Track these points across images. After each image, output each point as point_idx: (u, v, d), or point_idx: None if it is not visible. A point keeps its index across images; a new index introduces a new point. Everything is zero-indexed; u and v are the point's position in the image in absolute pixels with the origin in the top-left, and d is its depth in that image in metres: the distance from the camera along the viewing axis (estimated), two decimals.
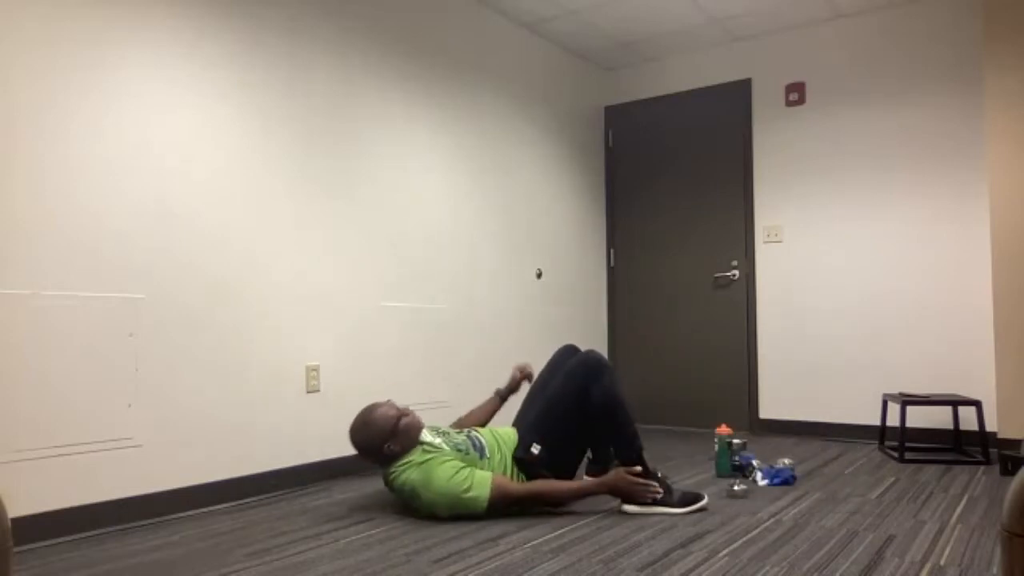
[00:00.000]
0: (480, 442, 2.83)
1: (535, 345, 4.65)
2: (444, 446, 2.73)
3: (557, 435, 2.82)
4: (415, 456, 2.69)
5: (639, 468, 2.75)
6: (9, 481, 2.34)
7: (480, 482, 2.62)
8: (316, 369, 3.32)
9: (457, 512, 2.62)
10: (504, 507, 2.67)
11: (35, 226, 2.43)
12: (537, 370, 3.24)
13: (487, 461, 2.77)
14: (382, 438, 2.69)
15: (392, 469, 2.70)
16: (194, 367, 2.85)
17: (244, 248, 3.06)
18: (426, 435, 2.78)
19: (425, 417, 3.85)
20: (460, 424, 3.16)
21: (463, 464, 2.67)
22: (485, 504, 2.61)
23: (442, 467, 2.63)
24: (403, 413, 2.75)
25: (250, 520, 2.68)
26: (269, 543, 2.37)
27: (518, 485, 2.69)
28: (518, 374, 3.28)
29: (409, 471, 2.66)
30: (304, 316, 3.28)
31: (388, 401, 2.81)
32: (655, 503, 2.71)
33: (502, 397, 3.30)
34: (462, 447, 2.76)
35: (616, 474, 2.72)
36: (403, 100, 3.82)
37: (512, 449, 2.85)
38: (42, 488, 2.41)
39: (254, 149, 3.12)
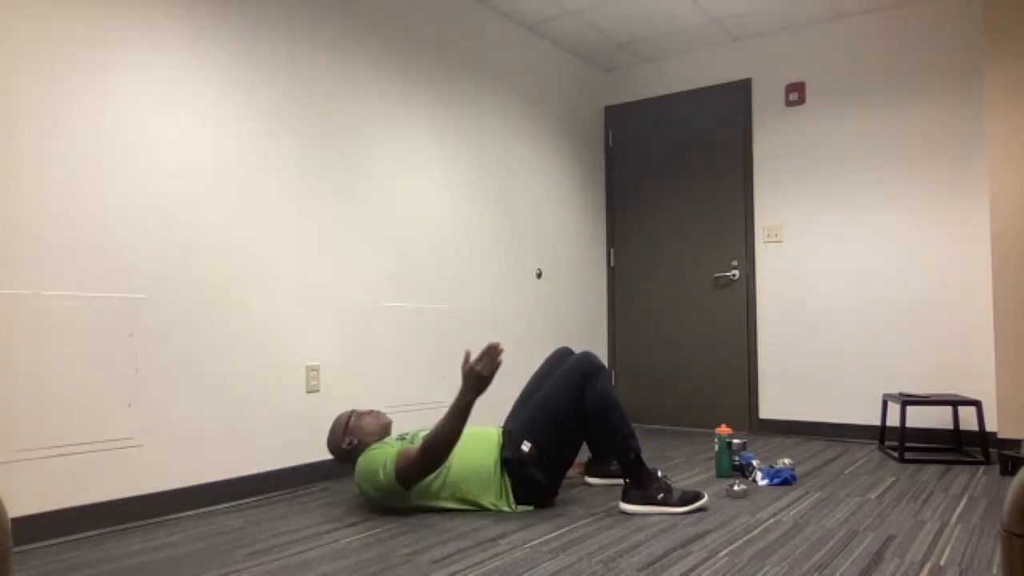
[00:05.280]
0: None
1: (535, 345, 4.65)
2: (387, 440, 2.84)
3: (549, 435, 2.80)
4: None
5: (470, 351, 2.73)
6: (9, 481, 2.34)
7: (385, 459, 2.67)
8: (316, 369, 3.32)
9: (386, 498, 2.69)
10: (419, 473, 2.65)
11: (35, 226, 2.43)
12: (531, 371, 3.23)
13: None
14: (339, 436, 2.88)
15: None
16: (194, 367, 2.85)
17: (244, 248, 3.06)
18: (392, 435, 2.93)
19: (425, 417, 3.85)
20: None
21: (389, 447, 2.73)
22: (393, 477, 2.63)
23: (367, 454, 2.74)
24: (362, 413, 2.92)
25: (250, 520, 2.68)
26: (269, 543, 2.37)
27: (415, 447, 2.67)
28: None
29: (356, 467, 2.80)
30: (304, 316, 3.28)
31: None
32: (655, 503, 2.71)
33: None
34: (406, 436, 2.86)
35: (465, 371, 2.61)
36: (403, 100, 3.82)
37: (491, 447, 2.81)
38: (42, 488, 2.41)
39: (255, 149, 3.12)
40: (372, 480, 2.68)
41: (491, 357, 2.61)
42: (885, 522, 2.57)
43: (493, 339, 4.33)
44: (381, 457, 2.69)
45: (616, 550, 2.26)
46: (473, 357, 2.69)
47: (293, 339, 3.23)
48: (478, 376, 2.61)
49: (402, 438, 2.87)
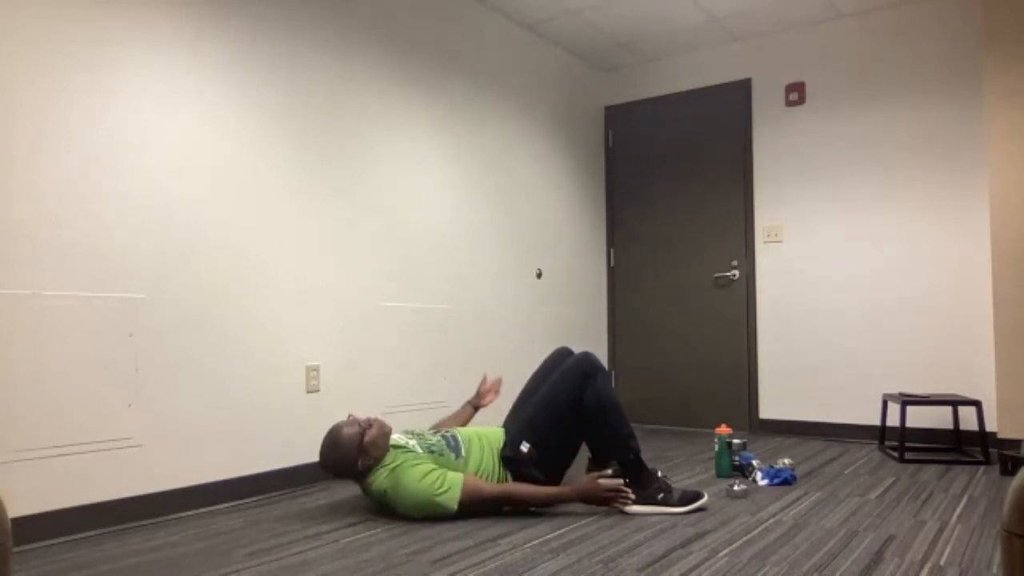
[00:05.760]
0: (456, 442, 2.81)
1: (535, 345, 4.65)
2: (417, 448, 2.74)
3: (548, 436, 2.80)
4: (387, 461, 2.70)
5: (609, 472, 2.75)
6: (9, 481, 2.34)
7: (451, 483, 2.60)
8: (316, 369, 3.32)
9: (428, 514, 2.61)
10: (476, 508, 2.64)
11: (35, 226, 2.43)
12: (531, 371, 3.22)
13: (462, 460, 2.75)
14: (352, 457, 2.67)
15: (368, 479, 2.72)
16: (194, 367, 2.85)
17: (244, 248, 3.06)
18: (399, 438, 2.80)
19: (425, 417, 3.85)
20: (437, 428, 3.10)
21: (434, 466, 2.66)
22: (456, 505, 2.59)
23: (412, 470, 2.63)
24: (366, 427, 2.72)
25: (250, 520, 2.68)
26: (269, 543, 2.37)
27: (491, 486, 2.67)
28: (484, 387, 3.30)
29: (381, 477, 2.68)
30: (304, 316, 3.28)
31: (349, 418, 2.78)
32: (655, 502, 2.71)
33: (475, 407, 3.31)
34: (435, 448, 2.76)
35: (589, 480, 2.69)
36: (403, 100, 3.82)
37: (497, 447, 2.83)
38: (42, 488, 2.41)
39: (254, 149, 3.12)
40: (417, 498, 2.59)
41: (615, 494, 2.66)
42: (885, 522, 2.57)
43: (497, 341, 4.32)
44: (431, 480, 2.60)
45: (616, 550, 2.26)
46: (605, 476, 2.72)
47: (293, 339, 3.23)
48: (592, 496, 2.66)
49: (430, 450, 2.76)
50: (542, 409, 2.84)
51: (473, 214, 4.25)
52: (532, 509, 2.76)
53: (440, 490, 2.59)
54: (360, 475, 2.73)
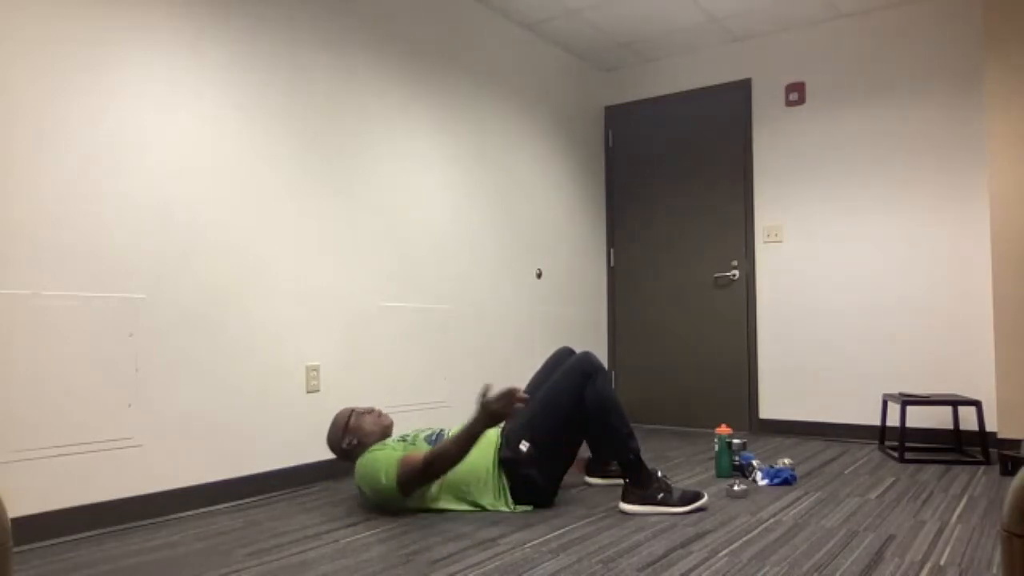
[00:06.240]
0: (438, 438, 2.86)
1: (535, 345, 4.65)
2: (388, 442, 2.83)
3: (548, 435, 2.80)
4: (365, 453, 2.80)
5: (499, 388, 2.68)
6: (9, 481, 2.34)
7: (388, 464, 2.65)
8: (316, 369, 3.32)
9: (384, 502, 2.69)
10: (418, 480, 2.64)
11: (35, 226, 2.43)
12: (531, 371, 3.23)
13: None
14: (339, 435, 2.89)
15: (355, 467, 2.84)
16: (194, 367, 2.85)
17: (244, 248, 3.06)
18: (392, 435, 2.93)
19: (425, 417, 3.85)
20: None
21: (391, 450, 2.72)
22: (394, 483, 2.62)
23: (368, 456, 2.73)
24: (362, 412, 2.92)
25: (250, 520, 2.68)
26: (269, 543, 2.37)
27: (421, 455, 2.65)
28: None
29: (358, 467, 2.79)
30: (304, 316, 3.28)
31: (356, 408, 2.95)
32: (655, 502, 2.71)
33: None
34: (407, 437, 2.86)
35: (482, 402, 2.61)
36: (403, 100, 3.82)
37: (493, 447, 2.80)
38: (42, 488, 2.41)
39: (254, 149, 3.12)
40: (373, 483, 2.68)
41: (508, 400, 2.59)
42: (885, 522, 2.57)
43: (497, 341, 4.32)
44: (383, 461, 2.68)
45: (616, 550, 2.26)
46: (492, 392, 2.67)
47: (293, 339, 3.23)
48: (492, 413, 2.59)
49: (403, 439, 2.87)
50: (542, 409, 2.84)
51: (473, 214, 4.25)
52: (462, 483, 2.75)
53: (380, 472, 2.65)
54: (346, 454, 2.89)
